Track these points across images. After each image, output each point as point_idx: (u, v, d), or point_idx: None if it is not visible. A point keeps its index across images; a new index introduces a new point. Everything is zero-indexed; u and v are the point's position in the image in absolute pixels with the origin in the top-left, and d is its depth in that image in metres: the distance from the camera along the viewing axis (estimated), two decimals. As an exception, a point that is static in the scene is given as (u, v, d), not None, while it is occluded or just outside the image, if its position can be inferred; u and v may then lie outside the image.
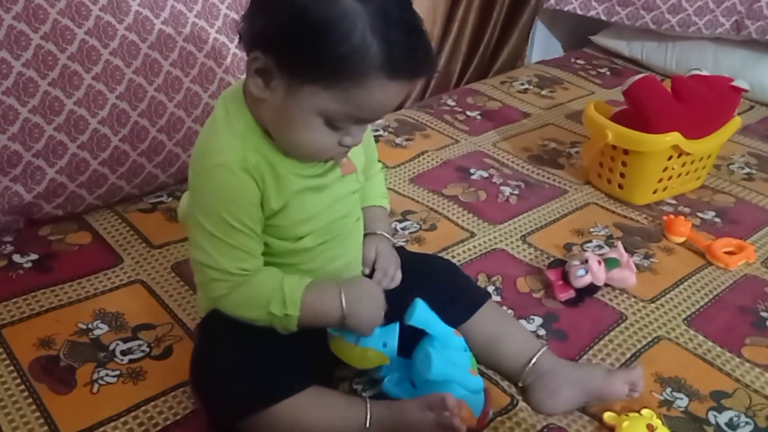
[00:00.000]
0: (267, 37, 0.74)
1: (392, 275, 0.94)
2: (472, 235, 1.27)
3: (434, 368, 0.84)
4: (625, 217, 1.35)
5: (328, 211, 0.86)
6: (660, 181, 1.37)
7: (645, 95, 1.33)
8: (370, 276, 0.94)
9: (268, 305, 0.81)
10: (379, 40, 0.71)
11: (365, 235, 0.96)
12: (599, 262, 1.11)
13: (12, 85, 1.09)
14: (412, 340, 0.90)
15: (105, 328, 1.02)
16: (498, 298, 1.11)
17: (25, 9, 1.08)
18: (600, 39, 2.17)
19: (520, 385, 0.95)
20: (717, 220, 1.36)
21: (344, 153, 0.82)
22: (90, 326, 1.02)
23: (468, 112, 1.75)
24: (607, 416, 0.90)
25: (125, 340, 1.00)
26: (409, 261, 0.98)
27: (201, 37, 1.26)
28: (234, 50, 1.30)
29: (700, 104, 1.35)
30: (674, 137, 1.30)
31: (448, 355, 0.89)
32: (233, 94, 0.83)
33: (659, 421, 0.89)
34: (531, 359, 0.94)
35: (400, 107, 1.89)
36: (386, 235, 0.99)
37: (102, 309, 1.05)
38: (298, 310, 0.81)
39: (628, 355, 1.02)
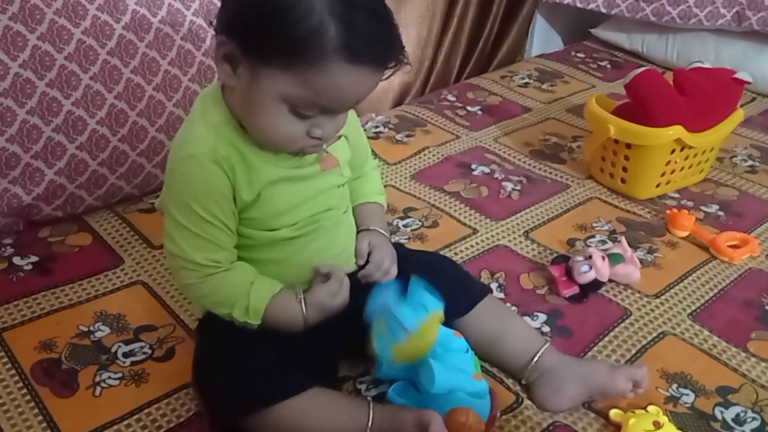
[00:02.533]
0: (230, 20, 0.75)
1: (386, 269, 0.93)
2: (475, 231, 1.27)
3: (437, 382, 0.83)
4: (628, 211, 1.35)
5: (310, 203, 0.86)
6: (663, 175, 1.36)
7: (647, 88, 1.32)
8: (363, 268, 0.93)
9: (232, 308, 0.83)
10: (338, 23, 0.71)
11: (360, 231, 0.95)
12: (603, 258, 1.10)
13: (9, 87, 1.08)
14: None
15: (106, 330, 1.01)
16: (501, 295, 1.11)
17: (21, 9, 1.07)
18: (600, 32, 2.16)
19: (523, 382, 0.94)
20: (721, 213, 1.35)
21: (317, 146, 0.81)
22: (91, 328, 1.01)
23: (468, 107, 1.74)
24: (613, 413, 0.90)
25: (127, 342, 0.99)
26: (405, 257, 0.97)
27: (199, 35, 1.25)
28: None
29: (702, 97, 1.34)
30: (677, 131, 1.29)
31: (451, 360, 0.88)
32: (211, 90, 0.84)
33: (666, 418, 0.89)
34: (534, 356, 0.93)
35: (400, 103, 1.89)
36: (381, 230, 0.97)
37: (103, 311, 1.04)
38: (259, 320, 0.83)
39: (633, 351, 1.01)
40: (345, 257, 0.93)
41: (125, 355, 0.97)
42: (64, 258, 1.15)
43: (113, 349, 0.98)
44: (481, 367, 0.94)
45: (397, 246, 0.99)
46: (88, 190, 1.21)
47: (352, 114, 0.88)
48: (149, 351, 0.98)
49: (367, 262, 0.93)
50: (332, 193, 0.89)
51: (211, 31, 1.25)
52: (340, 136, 0.88)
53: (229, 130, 0.80)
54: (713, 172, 1.48)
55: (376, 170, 1.02)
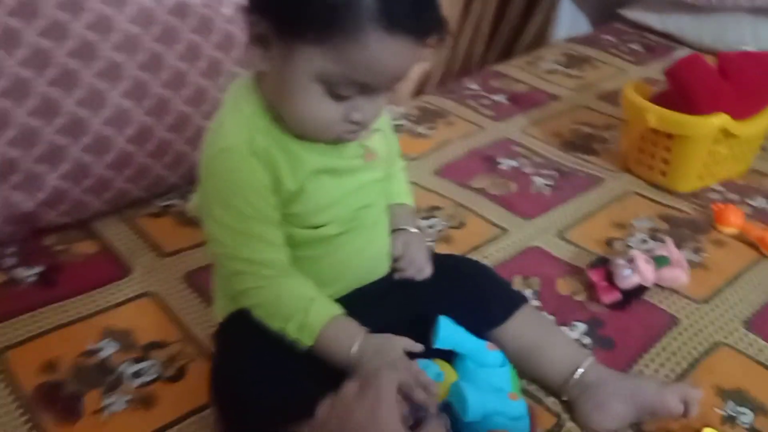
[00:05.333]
0: None
1: (420, 266, 0.87)
2: (504, 231, 1.18)
3: (471, 410, 0.76)
4: (669, 207, 1.25)
5: (350, 198, 0.81)
6: (706, 166, 1.26)
7: (690, 74, 1.23)
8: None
9: (287, 322, 0.76)
10: None
11: (391, 232, 0.89)
12: (647, 261, 1.01)
13: (8, 87, 1.01)
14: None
15: (113, 347, 0.94)
16: (537, 303, 1.02)
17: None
18: (629, 12, 2.05)
19: (564, 398, 0.87)
20: (769, 207, 1.26)
21: (356, 132, 0.75)
22: (97, 346, 0.94)
23: (493, 97, 1.65)
24: (666, 437, 0.82)
25: (135, 361, 0.92)
26: (436, 263, 0.90)
27: (208, 27, 1.17)
28: (244, 39, 1.21)
29: (748, 82, 1.24)
30: (722, 119, 1.20)
31: (485, 376, 0.80)
32: (243, 80, 0.78)
33: (724, 442, 0.81)
34: (576, 370, 0.85)
35: (420, 93, 1.80)
36: (413, 230, 0.91)
37: (110, 326, 0.98)
38: (313, 341, 0.76)
39: (684, 365, 0.93)
40: (381, 258, 0.87)
41: (133, 375, 0.90)
42: (69, 268, 1.08)
43: (120, 369, 0.91)
44: (520, 386, 0.86)
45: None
46: (94, 195, 1.14)
47: (385, 112, 0.81)
48: (159, 370, 0.91)
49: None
50: (372, 188, 0.84)
51: (222, 24, 1.18)
52: (377, 130, 0.83)
53: (264, 120, 0.76)
54: (757, 162, 1.38)
55: (404, 171, 0.96)
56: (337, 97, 0.71)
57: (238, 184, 0.74)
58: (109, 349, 0.94)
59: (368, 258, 0.85)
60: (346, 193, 0.80)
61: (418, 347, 0.77)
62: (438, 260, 0.91)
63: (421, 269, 0.87)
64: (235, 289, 0.79)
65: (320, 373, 0.75)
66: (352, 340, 0.76)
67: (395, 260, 0.88)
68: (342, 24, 0.66)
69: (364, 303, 0.83)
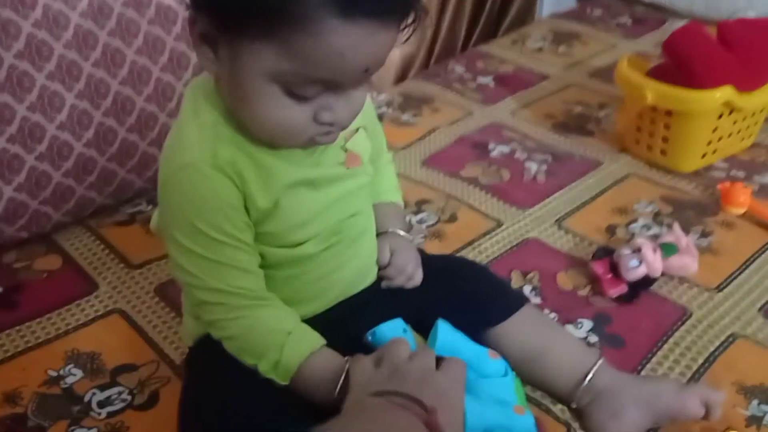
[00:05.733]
0: None
1: (410, 274, 0.80)
2: (499, 224, 1.11)
3: (469, 423, 0.68)
4: (672, 188, 1.18)
5: (331, 210, 0.71)
6: (709, 143, 1.19)
7: (689, 46, 1.15)
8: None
9: (260, 359, 0.67)
10: None
11: (377, 235, 0.81)
12: (654, 250, 0.94)
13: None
14: None
15: (79, 373, 0.86)
16: (538, 300, 0.95)
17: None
18: (616, -15, 1.97)
19: (573, 406, 0.79)
20: (778, 183, 1.18)
21: (328, 134, 0.64)
22: (62, 373, 0.86)
23: (479, 79, 1.57)
24: (687, 445, 0.75)
25: (102, 388, 0.84)
26: (429, 265, 0.82)
27: (169, 18, 1.08)
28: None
29: (751, 52, 1.16)
30: (726, 92, 1.12)
31: (486, 388, 0.73)
32: (202, 83, 0.68)
33: (751, 447, 0.73)
34: (586, 375, 0.78)
35: (403, 78, 1.72)
36: (401, 232, 0.84)
37: (75, 349, 0.89)
38: (288, 380, 0.67)
39: (700, 361, 0.86)
40: (368, 268, 0.79)
41: (101, 404, 0.82)
42: (31, 286, 0.99)
43: (87, 398, 0.83)
44: (526, 394, 0.79)
45: (419, 252, 0.85)
46: (54, 206, 1.05)
47: (368, 100, 0.70)
48: (128, 397, 0.83)
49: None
50: (357, 195, 0.75)
51: (184, 12, 1.09)
52: (358, 128, 0.73)
53: (229, 128, 0.65)
54: (762, 136, 1.31)
55: (391, 165, 0.88)
56: (299, 97, 0.60)
57: (201, 206, 0.64)
58: (74, 376, 0.86)
59: (353, 270, 0.76)
60: (327, 205, 0.71)
61: None
62: (430, 262, 0.83)
63: (411, 277, 0.80)
64: (203, 319, 0.70)
65: (300, 408, 0.67)
66: (334, 382, 0.66)
67: (382, 268, 0.80)
68: (288, 13, 0.55)
69: (352, 314, 0.76)
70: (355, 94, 0.63)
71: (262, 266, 0.70)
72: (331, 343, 0.70)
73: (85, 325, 0.93)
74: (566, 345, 0.82)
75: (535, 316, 0.85)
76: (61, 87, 1.00)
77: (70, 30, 0.99)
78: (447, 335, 0.74)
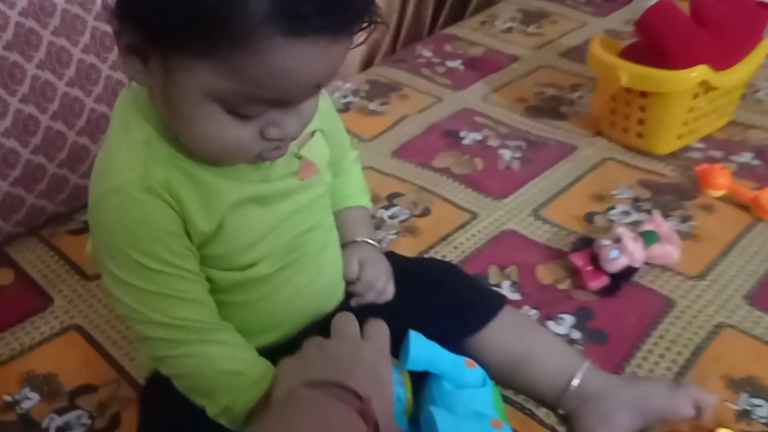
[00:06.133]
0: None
1: (381, 289, 0.75)
2: (474, 216, 1.07)
3: None
4: (650, 171, 1.15)
5: (285, 225, 0.66)
6: (686, 123, 1.16)
7: (662, 24, 1.11)
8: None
9: (208, 400, 0.62)
10: None
11: (343, 245, 0.76)
12: (635, 239, 0.91)
13: None
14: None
15: (35, 397, 0.81)
16: (517, 296, 0.91)
17: None
18: (584, -39, 1.92)
19: (560, 412, 0.76)
20: (756, 162, 1.15)
21: (279, 148, 0.59)
22: (17, 397, 0.81)
23: (448, 63, 1.52)
24: (678, 446, 0.72)
25: (61, 412, 0.79)
26: (401, 270, 0.78)
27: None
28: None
29: (725, 28, 1.13)
30: (701, 71, 1.09)
31: (462, 400, 0.69)
32: (133, 94, 0.61)
33: (744, 446, 0.71)
34: (572, 380, 0.74)
35: (369, 65, 1.66)
36: (370, 241, 0.79)
37: (31, 371, 0.84)
38: (238, 427, 0.62)
39: (686, 354, 0.83)
40: (333, 287, 0.74)
41: (59, 430, 0.77)
42: (-19, 304, 0.94)
43: (44, 424, 0.78)
44: (504, 397, 0.76)
45: (389, 256, 0.80)
46: (2, 216, 0.99)
47: (323, 96, 0.64)
48: (88, 422, 0.78)
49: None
50: (314, 207, 0.69)
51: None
52: (314, 132, 0.67)
53: (163, 145, 0.59)
54: (737, 114, 1.28)
55: (357, 164, 0.82)
56: (243, 116, 0.54)
57: (133, 233, 0.58)
58: (30, 400, 0.81)
59: (317, 291, 0.71)
60: (278, 222, 0.65)
61: None
62: (401, 267, 0.78)
63: (382, 292, 0.74)
64: (149, 355, 0.65)
65: None
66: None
67: (350, 283, 0.75)
68: (229, 30, 0.48)
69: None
70: (306, 106, 0.57)
71: (215, 292, 0.64)
72: None
73: (40, 343, 0.88)
74: (550, 348, 0.78)
75: (515, 319, 0.81)
76: (2, 91, 0.94)
77: (10, 30, 0.93)
78: (419, 348, 0.70)
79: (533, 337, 0.78)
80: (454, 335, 0.74)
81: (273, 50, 0.49)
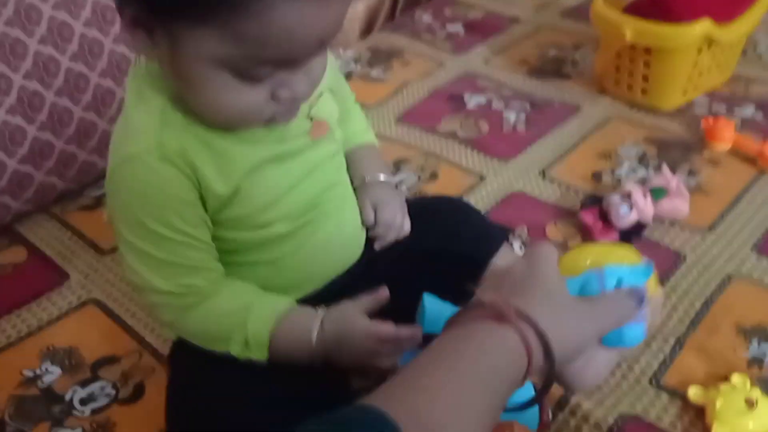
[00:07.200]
0: None
1: (399, 226, 0.75)
2: (482, 178, 1.07)
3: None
4: (656, 128, 1.15)
5: (304, 184, 0.66)
6: (690, 79, 1.16)
7: (665, -22, 1.10)
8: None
9: (228, 343, 0.63)
10: None
11: (355, 188, 0.76)
12: (644, 195, 0.91)
13: None
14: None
15: (57, 371, 0.82)
16: (528, 255, 0.92)
17: None
18: None
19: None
20: (759, 115, 1.16)
21: (290, 110, 0.60)
22: (38, 372, 0.82)
23: (449, 27, 1.51)
24: (693, 393, 0.73)
25: (84, 384, 0.80)
26: (417, 207, 0.78)
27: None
28: None
29: (727, -20, 1.12)
30: (704, 26, 1.09)
31: None
32: (146, 68, 0.62)
33: (758, 390, 0.72)
34: None
35: (368, 32, 1.65)
36: (381, 176, 0.78)
37: (51, 346, 0.85)
38: (265, 355, 0.63)
39: (697, 306, 0.84)
40: (354, 241, 0.74)
41: (83, 401, 0.78)
42: (-3, 282, 0.95)
43: (68, 397, 0.79)
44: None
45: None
46: (12, 194, 0.99)
47: (329, 59, 0.64)
48: (112, 392, 0.79)
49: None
50: (328, 166, 0.69)
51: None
52: (321, 93, 0.68)
53: (178, 113, 0.60)
54: (739, 68, 1.28)
55: (357, 105, 0.82)
56: (251, 78, 0.55)
57: (149, 200, 0.60)
58: (52, 374, 0.82)
59: (338, 248, 0.71)
60: (296, 180, 0.65)
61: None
62: (411, 208, 0.78)
63: (400, 228, 0.75)
64: (158, 320, 0.67)
65: (295, 389, 0.63)
66: (309, 332, 0.63)
67: (369, 228, 0.74)
68: None
69: (347, 289, 0.71)
70: (314, 64, 0.57)
71: (235, 252, 0.66)
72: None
73: (59, 318, 0.89)
74: None
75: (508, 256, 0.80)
76: (6, 67, 0.93)
77: (10, 6, 0.92)
78: (434, 310, 0.70)
79: None
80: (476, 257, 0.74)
81: (271, 9, 0.50)
